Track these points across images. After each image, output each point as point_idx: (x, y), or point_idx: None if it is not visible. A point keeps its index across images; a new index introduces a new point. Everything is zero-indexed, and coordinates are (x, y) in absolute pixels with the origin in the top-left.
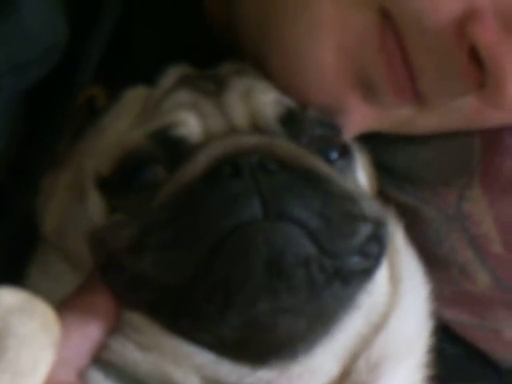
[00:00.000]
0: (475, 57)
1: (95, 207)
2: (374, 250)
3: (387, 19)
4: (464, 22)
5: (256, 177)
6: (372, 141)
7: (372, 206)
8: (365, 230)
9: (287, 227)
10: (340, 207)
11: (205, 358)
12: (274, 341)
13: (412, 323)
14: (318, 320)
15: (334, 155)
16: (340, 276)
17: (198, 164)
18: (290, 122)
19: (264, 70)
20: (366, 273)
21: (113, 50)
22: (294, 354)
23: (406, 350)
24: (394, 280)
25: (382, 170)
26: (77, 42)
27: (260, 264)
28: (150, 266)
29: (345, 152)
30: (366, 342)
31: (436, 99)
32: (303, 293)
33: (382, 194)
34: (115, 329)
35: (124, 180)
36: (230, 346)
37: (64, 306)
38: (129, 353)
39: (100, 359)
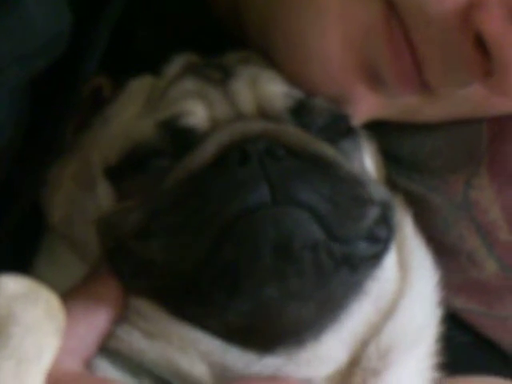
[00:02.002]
0: (481, 45)
1: (105, 196)
2: (383, 234)
3: (392, 10)
4: (469, 11)
5: (264, 163)
6: (379, 129)
7: (379, 190)
8: (372, 213)
9: (295, 212)
10: (348, 191)
11: (212, 345)
12: (281, 327)
13: (421, 311)
14: (326, 306)
15: (340, 140)
16: (348, 262)
17: (206, 151)
18: (300, 112)
19: (270, 59)
20: (375, 258)
21: (117, 40)
22: (302, 341)
23: (416, 337)
24: (403, 268)
25: (389, 158)
26: (81, 31)
27: (268, 248)
28: (157, 251)
29: (350, 132)
30: (375, 329)
31: (442, 88)
32: (311, 278)
33: (391, 183)
34: (122, 317)
35: (132, 170)
36: (238, 333)
37: (70, 295)
38: (135, 341)
39: (106, 348)
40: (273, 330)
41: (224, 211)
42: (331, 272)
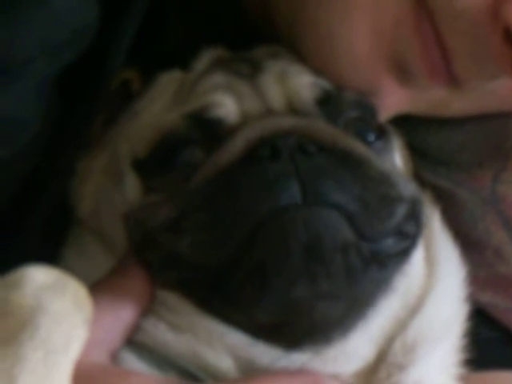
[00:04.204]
0: (509, 39)
1: (132, 189)
2: (411, 230)
3: (421, 2)
4: (498, 5)
5: (294, 158)
6: (406, 124)
7: (408, 187)
8: (401, 210)
9: (326, 212)
10: (378, 190)
11: (238, 339)
12: (309, 325)
13: (448, 306)
14: (355, 304)
15: (371, 137)
16: (377, 260)
17: (236, 146)
18: (327, 104)
19: (298, 53)
20: (403, 254)
21: (147, 34)
22: (329, 339)
23: (442, 333)
24: (431, 263)
25: (415, 152)
26: (109, 25)
27: (298, 248)
28: (187, 246)
29: (382, 133)
30: (402, 325)
31: (470, 81)
32: (341, 278)
33: (418, 178)
34: (148, 310)
35: (161, 161)
36: (265, 329)
37: (97, 288)
38: (161, 334)
39: (132, 340)
40: (301, 327)
41: (255, 210)
42: (360, 271)
